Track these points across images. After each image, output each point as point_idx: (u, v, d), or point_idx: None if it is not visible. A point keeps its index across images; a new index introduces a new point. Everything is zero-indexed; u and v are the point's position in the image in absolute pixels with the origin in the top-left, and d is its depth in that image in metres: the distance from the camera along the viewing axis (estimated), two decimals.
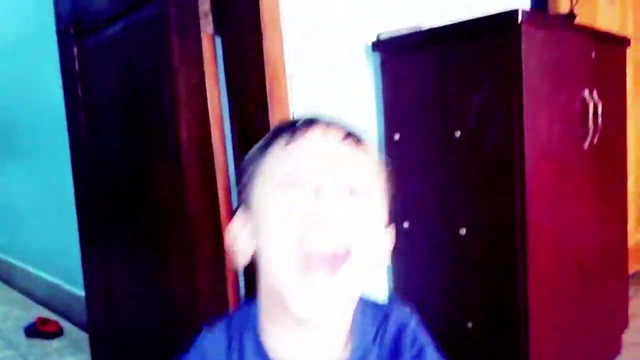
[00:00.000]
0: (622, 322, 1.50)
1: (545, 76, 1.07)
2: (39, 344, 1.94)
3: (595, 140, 1.23)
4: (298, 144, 0.55)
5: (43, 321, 2.01)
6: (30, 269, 2.67)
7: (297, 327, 0.56)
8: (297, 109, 1.05)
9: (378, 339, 0.61)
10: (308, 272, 0.52)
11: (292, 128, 0.56)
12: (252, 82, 0.95)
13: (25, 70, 2.38)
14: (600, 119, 1.22)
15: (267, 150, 0.56)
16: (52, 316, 2.12)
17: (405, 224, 1.19)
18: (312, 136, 0.55)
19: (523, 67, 0.98)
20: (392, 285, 1.26)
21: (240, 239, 0.58)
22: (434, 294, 1.18)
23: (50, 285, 2.31)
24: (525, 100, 0.99)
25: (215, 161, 0.99)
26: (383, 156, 0.63)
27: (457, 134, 1.08)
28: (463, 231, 1.09)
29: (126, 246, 1.39)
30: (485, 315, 1.10)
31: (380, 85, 1.25)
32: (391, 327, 0.62)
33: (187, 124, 1.04)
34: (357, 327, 0.60)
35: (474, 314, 1.11)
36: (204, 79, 0.98)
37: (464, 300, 1.13)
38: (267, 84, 0.93)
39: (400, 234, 1.15)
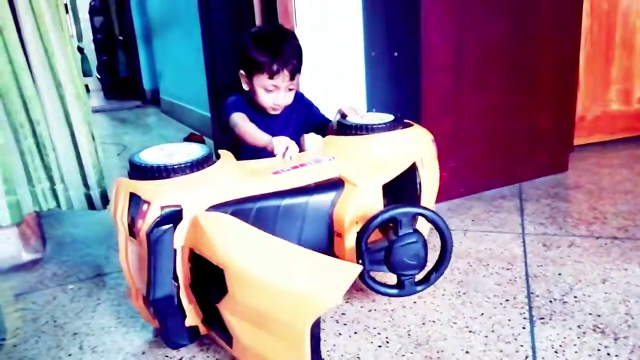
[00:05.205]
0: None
1: None
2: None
3: None
4: (274, 80, 1.30)
5: (194, 134, 3.20)
6: (187, 105, 3.73)
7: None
8: None
9: (295, 105, 1.41)
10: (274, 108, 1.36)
11: (271, 70, 1.27)
12: None
13: None
14: None
15: (259, 74, 1.30)
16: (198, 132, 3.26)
17: None
18: (279, 77, 1.29)
19: None
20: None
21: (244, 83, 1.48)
22: None
23: (199, 115, 3.40)
24: None
25: None
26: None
27: None
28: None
29: None
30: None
31: None
32: (299, 103, 1.43)
33: None
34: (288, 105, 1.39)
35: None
36: None
37: None
38: None
39: None
